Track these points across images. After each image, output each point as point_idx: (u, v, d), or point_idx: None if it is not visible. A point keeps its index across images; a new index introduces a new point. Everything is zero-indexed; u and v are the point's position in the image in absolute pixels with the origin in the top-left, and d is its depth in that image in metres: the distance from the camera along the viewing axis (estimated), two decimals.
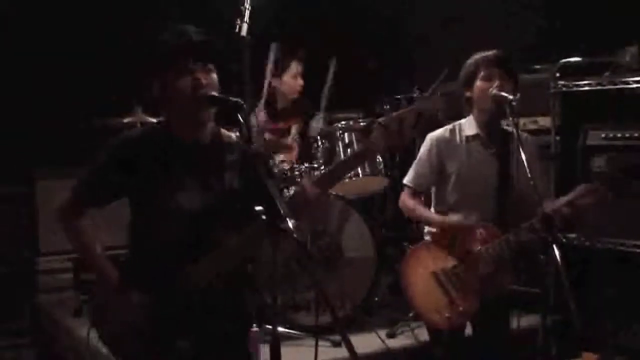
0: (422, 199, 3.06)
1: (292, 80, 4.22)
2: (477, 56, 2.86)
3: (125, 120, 3.97)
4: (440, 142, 2.91)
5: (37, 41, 4.48)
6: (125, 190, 2.09)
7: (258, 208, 1.82)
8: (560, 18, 4.28)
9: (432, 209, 3.00)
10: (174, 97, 2.01)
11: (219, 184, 2.10)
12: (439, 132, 2.95)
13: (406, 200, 2.98)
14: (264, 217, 1.79)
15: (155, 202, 2.05)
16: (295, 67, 4.23)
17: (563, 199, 2.72)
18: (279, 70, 4.17)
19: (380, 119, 1.97)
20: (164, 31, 2.06)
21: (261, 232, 1.90)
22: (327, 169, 3.34)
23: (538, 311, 3.09)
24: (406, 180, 3.01)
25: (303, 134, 4.30)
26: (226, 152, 2.13)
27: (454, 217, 2.84)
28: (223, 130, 2.16)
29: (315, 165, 3.83)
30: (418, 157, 2.99)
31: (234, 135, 2.18)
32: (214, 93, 1.99)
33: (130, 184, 2.06)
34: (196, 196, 2.06)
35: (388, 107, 4.42)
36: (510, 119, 2.67)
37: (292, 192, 3.51)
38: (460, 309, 2.74)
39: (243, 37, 3.19)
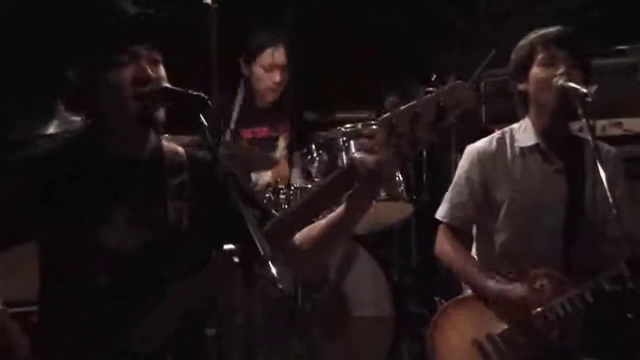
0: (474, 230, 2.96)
1: (262, 73, 4.13)
2: (533, 35, 2.82)
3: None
4: (484, 158, 2.87)
5: None
6: (34, 230, 2.06)
7: (228, 246, 1.80)
8: None
9: (474, 252, 2.96)
10: (109, 93, 2.02)
11: (166, 213, 2.10)
12: (482, 143, 2.91)
13: (444, 246, 2.93)
14: (235, 258, 1.77)
15: (76, 242, 2.03)
16: (270, 56, 4.13)
17: None
18: (249, 56, 4.13)
19: (386, 115, 1.89)
20: (96, 7, 2.08)
21: (230, 273, 1.90)
22: (302, 196, 3.34)
23: None
24: (440, 214, 2.95)
25: (293, 147, 4.28)
26: (173, 171, 2.14)
27: (517, 290, 2.74)
28: (166, 143, 2.17)
29: (309, 186, 3.83)
30: (455, 180, 2.95)
31: (180, 148, 2.19)
32: (166, 85, 2.01)
33: (43, 221, 2.04)
34: (134, 232, 2.07)
35: (394, 97, 4.36)
36: (584, 121, 2.63)
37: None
38: None
39: (207, 4, 3.18)
